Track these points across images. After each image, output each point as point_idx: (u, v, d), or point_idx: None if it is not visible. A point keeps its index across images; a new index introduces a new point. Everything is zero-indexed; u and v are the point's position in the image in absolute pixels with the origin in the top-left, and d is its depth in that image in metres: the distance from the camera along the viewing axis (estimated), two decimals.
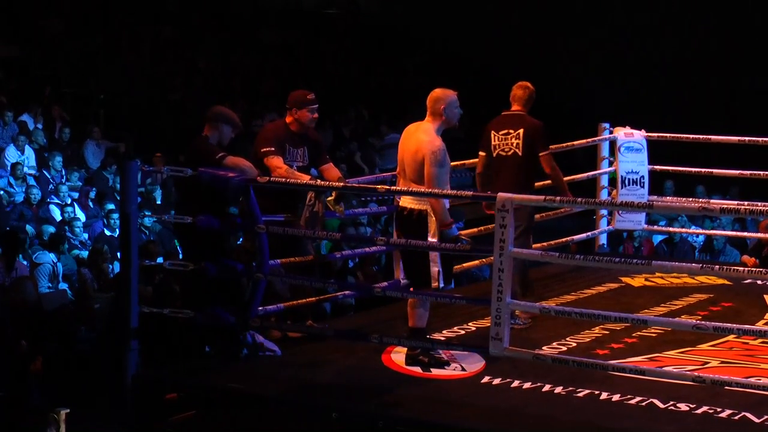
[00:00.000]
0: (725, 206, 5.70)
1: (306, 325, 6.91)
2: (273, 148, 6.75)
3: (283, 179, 6.53)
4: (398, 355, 6.51)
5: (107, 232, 11.30)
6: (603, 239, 10.05)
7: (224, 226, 6.49)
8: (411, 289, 6.38)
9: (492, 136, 7.38)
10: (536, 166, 7.35)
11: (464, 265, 8.58)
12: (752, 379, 5.88)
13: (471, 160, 8.73)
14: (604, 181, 9.89)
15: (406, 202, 6.24)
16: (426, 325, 6.34)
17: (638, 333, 7.01)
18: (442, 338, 6.89)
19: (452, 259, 6.40)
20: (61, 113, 14.62)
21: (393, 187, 6.77)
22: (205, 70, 18.05)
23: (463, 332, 7.09)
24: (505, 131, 7.33)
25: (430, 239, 6.15)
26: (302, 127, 6.94)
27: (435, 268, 6.17)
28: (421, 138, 6.15)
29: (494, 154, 7.36)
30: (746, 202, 8.82)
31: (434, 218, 6.11)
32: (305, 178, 6.70)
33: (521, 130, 7.29)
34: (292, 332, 6.87)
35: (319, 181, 6.83)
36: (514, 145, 7.29)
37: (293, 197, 6.91)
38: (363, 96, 19.24)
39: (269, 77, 18.67)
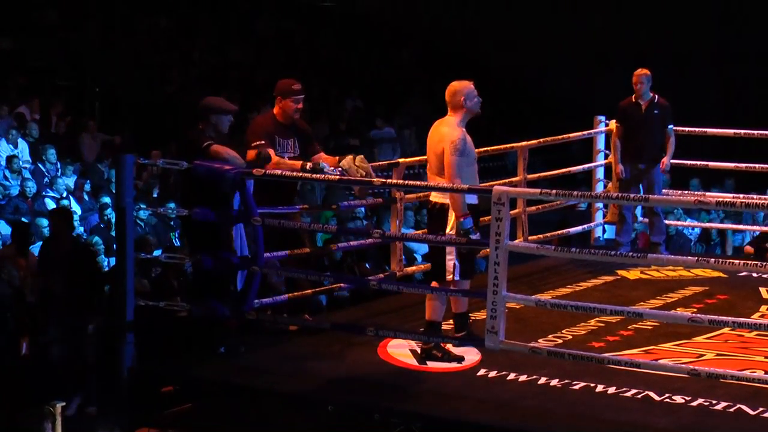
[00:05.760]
0: (721, 199, 5.69)
1: (302, 318, 6.92)
2: (263, 141, 6.73)
3: (279, 172, 6.51)
4: (394, 348, 6.51)
5: (102, 226, 11.29)
6: (599, 232, 10.05)
7: (220, 218, 6.47)
8: (433, 283, 6.40)
9: None
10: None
11: None
12: (747, 372, 5.89)
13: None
14: (600, 173, 9.89)
15: (432, 196, 6.36)
16: (441, 319, 6.35)
17: (634, 325, 7.01)
18: None
19: (472, 254, 6.41)
20: (57, 106, 14.57)
21: (389, 180, 6.79)
22: (201, 62, 18.01)
23: None
24: None
25: (448, 232, 6.19)
26: (287, 117, 6.91)
27: (451, 261, 6.21)
28: (442, 130, 6.28)
29: None
30: (742, 195, 8.84)
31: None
32: (297, 165, 6.68)
33: None
34: (289, 325, 6.87)
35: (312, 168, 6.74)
36: None
37: (287, 189, 6.89)
38: (358, 88, 19.22)
39: (265, 69, 18.63)
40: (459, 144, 6.15)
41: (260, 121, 7.01)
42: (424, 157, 8.05)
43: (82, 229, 11.43)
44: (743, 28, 18.69)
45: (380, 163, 8.29)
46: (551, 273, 8.71)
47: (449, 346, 6.32)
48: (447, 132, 6.23)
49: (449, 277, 6.22)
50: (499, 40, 20.57)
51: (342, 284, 7.66)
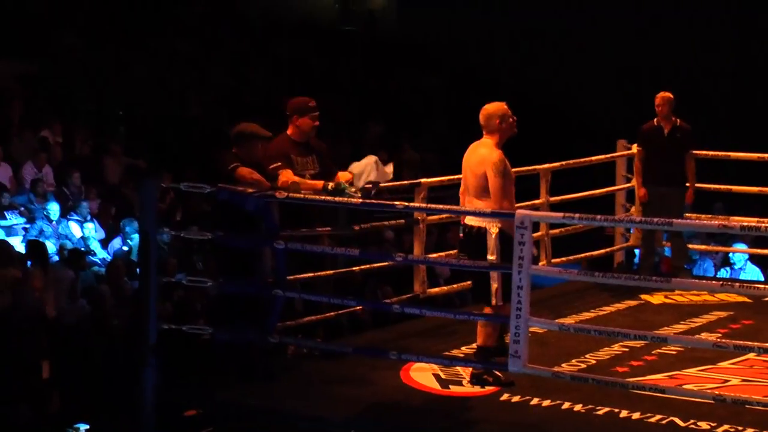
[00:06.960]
0: (745, 224, 5.66)
1: (324, 341, 6.90)
2: (280, 164, 6.72)
3: (302, 195, 6.51)
4: (417, 372, 6.49)
5: (126, 249, 11.34)
6: (624, 256, 10.01)
7: (244, 242, 6.48)
8: (486, 309, 6.37)
9: None
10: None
11: None
12: None
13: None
14: (623, 197, 9.86)
15: (469, 219, 6.33)
16: (493, 344, 6.33)
17: (658, 350, 6.97)
18: (462, 355, 6.87)
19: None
20: (81, 130, 14.65)
21: (411, 203, 6.79)
22: (220, 85, 18.06)
23: None
24: None
25: (489, 257, 6.18)
26: (304, 136, 6.90)
27: (494, 285, 6.21)
28: (482, 152, 6.33)
29: None
30: (767, 219, 8.79)
31: (493, 234, 6.15)
32: (319, 185, 6.69)
33: None
34: (311, 348, 6.86)
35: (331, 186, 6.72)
36: None
37: (308, 210, 6.88)
38: (378, 112, 19.23)
39: (284, 92, 18.64)
40: (501, 165, 6.22)
41: (274, 144, 6.91)
42: (447, 178, 8.08)
43: (106, 252, 11.49)
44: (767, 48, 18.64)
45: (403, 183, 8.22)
46: (574, 296, 8.67)
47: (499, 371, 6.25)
48: (487, 154, 6.28)
49: (494, 301, 6.21)
50: (521, 64, 20.56)
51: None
